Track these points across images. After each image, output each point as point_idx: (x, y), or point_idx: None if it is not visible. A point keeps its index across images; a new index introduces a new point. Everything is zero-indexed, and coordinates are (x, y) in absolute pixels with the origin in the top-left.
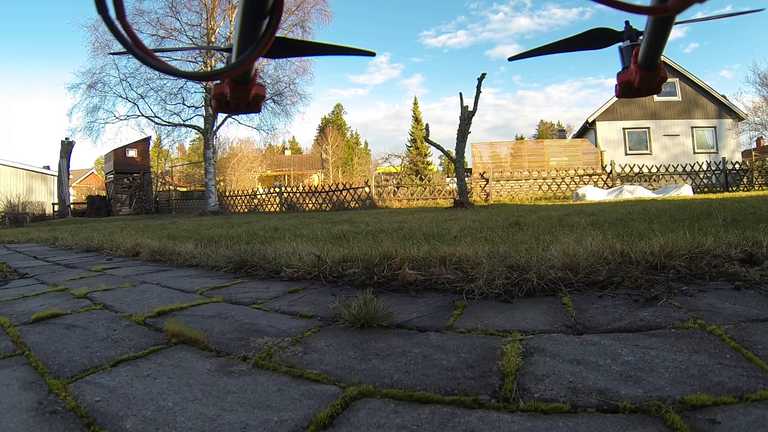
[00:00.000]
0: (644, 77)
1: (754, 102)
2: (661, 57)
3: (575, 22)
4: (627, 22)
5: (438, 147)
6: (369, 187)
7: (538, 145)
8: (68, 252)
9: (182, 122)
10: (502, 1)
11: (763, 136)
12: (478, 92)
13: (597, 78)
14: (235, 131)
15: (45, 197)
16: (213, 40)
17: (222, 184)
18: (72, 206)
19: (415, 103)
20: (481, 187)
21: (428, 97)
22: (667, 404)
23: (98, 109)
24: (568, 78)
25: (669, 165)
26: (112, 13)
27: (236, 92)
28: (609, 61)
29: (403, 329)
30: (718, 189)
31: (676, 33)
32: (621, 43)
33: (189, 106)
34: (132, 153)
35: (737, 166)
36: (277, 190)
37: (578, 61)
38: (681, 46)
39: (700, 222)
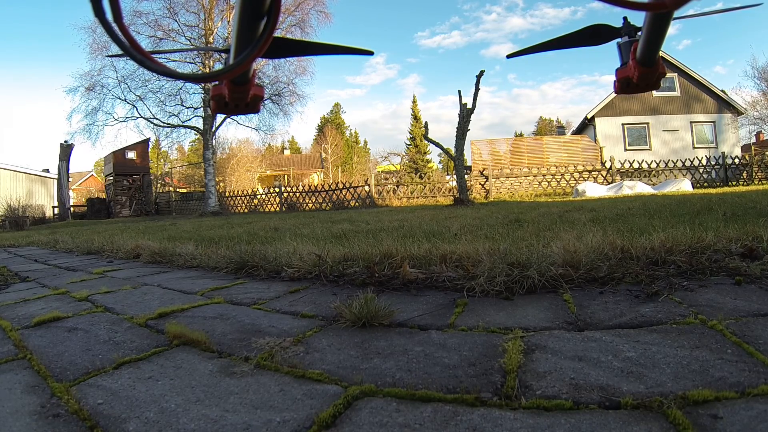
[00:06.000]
0: (643, 73)
1: (753, 96)
2: (660, 53)
3: (568, 21)
4: (625, 18)
5: (437, 145)
6: (369, 185)
7: (537, 141)
8: (69, 255)
9: (181, 123)
10: (495, 2)
11: (762, 131)
12: (477, 90)
13: (591, 75)
14: (234, 132)
15: (45, 200)
16: (211, 41)
17: (222, 184)
18: (72, 209)
19: (414, 102)
20: (480, 184)
21: (425, 97)
22: (668, 400)
23: (97, 111)
24: (563, 75)
25: (669, 160)
26: (109, 16)
27: (235, 93)
28: (603, 58)
29: (405, 328)
30: (718, 184)
31: (669, 30)
32: (619, 40)
33: (188, 107)
34: (131, 155)
35: (737, 160)
36: (277, 189)
37: (573, 59)
38: (674, 43)
39: (700, 217)
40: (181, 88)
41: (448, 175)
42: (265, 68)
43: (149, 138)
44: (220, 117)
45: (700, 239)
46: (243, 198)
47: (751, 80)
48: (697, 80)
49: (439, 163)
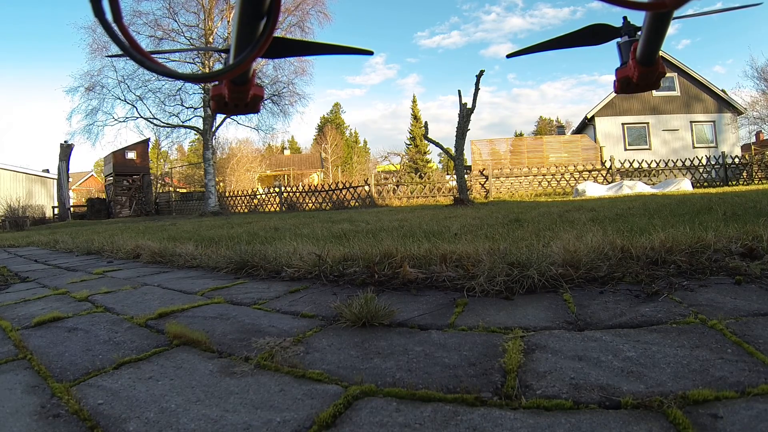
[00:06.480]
0: (643, 73)
1: (752, 96)
2: (660, 52)
3: (567, 21)
4: (625, 18)
5: (437, 144)
6: (369, 185)
7: (537, 141)
8: (69, 255)
9: (181, 123)
10: (494, 2)
11: (762, 130)
12: (477, 89)
13: (591, 75)
14: (234, 132)
15: (45, 200)
16: (211, 41)
17: (222, 184)
18: (72, 209)
19: (414, 102)
20: (480, 184)
21: (424, 96)
22: (669, 399)
23: (97, 111)
24: (563, 75)
25: (669, 160)
26: (109, 16)
27: (235, 93)
28: (602, 58)
29: (405, 328)
30: (718, 183)
31: (669, 29)
32: (619, 39)
33: (188, 108)
34: (131, 155)
35: (737, 160)
36: (277, 189)
37: (572, 59)
38: (673, 43)
39: (700, 216)
40: (180, 88)
41: (448, 174)
42: (265, 68)
43: (149, 138)
44: (220, 117)
45: (700, 239)
46: (243, 198)
47: (751, 80)
48: (696, 80)
49: (439, 162)
